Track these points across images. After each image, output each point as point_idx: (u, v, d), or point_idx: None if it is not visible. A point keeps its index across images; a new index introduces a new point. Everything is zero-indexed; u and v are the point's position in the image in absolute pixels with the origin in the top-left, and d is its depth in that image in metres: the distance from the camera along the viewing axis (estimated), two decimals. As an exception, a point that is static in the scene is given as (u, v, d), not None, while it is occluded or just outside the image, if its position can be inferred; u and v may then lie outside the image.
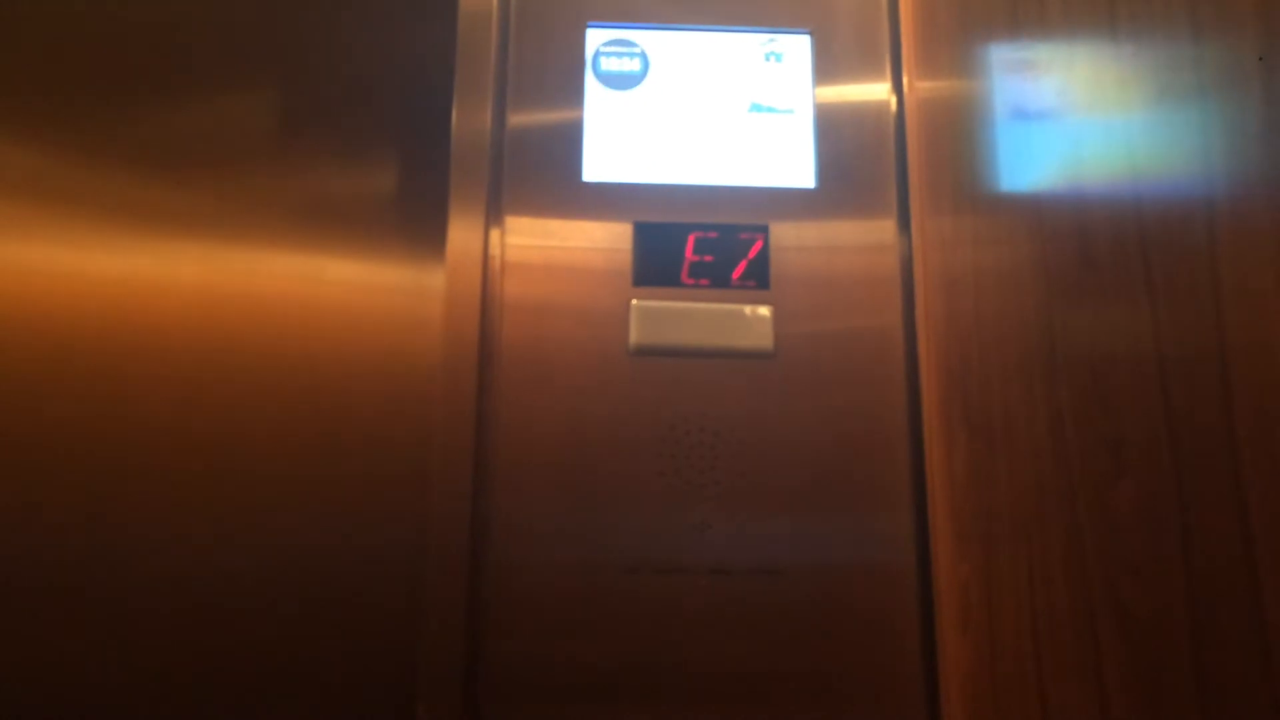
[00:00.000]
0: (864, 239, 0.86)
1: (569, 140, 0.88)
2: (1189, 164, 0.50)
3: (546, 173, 0.87)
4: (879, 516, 0.79)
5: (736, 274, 0.85)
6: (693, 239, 0.86)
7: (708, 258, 0.85)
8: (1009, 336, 0.68)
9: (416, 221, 0.87)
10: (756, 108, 0.90)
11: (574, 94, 0.90)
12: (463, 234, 0.84)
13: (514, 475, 0.80)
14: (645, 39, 0.91)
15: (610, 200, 0.87)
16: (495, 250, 0.85)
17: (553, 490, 0.80)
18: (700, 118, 0.90)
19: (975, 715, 0.70)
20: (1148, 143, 0.54)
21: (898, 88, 0.90)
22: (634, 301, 0.84)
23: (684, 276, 0.85)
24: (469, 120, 0.88)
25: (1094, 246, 0.58)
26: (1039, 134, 0.67)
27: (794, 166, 0.88)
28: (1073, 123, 0.63)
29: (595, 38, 0.91)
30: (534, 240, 0.86)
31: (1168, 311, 0.51)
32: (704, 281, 0.85)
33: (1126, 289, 0.54)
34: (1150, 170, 0.54)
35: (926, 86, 0.87)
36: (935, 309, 0.81)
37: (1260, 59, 0.46)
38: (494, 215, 0.86)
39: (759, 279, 0.85)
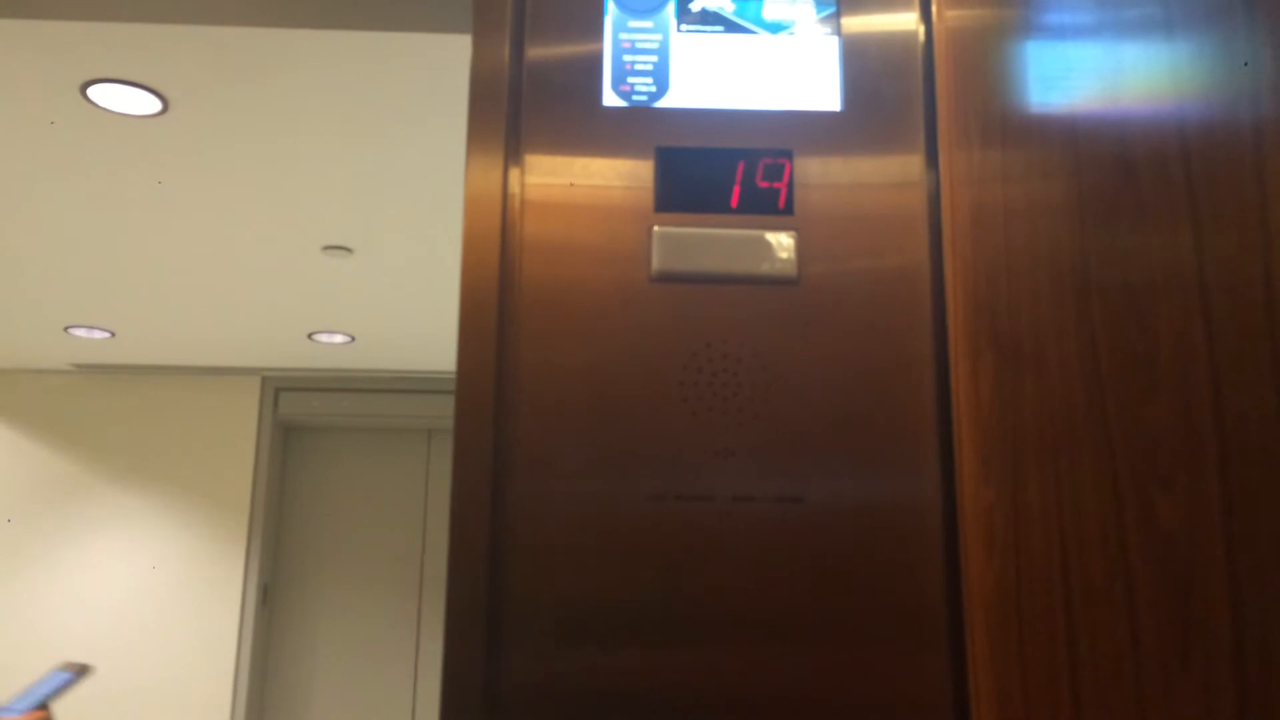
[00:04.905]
0: (890, 174, 0.85)
1: (589, 70, 0.87)
2: (1235, 83, 0.50)
3: (567, 101, 0.86)
4: (904, 442, 0.79)
5: (760, 199, 0.84)
6: (716, 164, 0.85)
7: (731, 183, 0.84)
8: (1040, 261, 0.68)
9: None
10: (779, 27, 0.88)
11: (593, 22, 0.88)
12: (481, 169, 0.84)
13: (536, 408, 0.80)
14: (667, -36, 0.89)
15: (631, 126, 0.86)
16: (515, 187, 0.84)
17: (576, 421, 0.80)
18: (722, 40, 0.88)
19: (999, 639, 0.71)
20: (1192, 63, 0.54)
21: (926, 17, 0.88)
22: (656, 228, 0.83)
23: (707, 202, 0.84)
24: (487, 55, 0.86)
25: (1134, 169, 0.57)
26: (1076, 59, 0.66)
27: (819, 92, 0.87)
28: (1112, 46, 0.62)
29: (616, -38, 0.89)
30: (554, 170, 0.85)
31: (1211, 230, 0.50)
32: (727, 207, 0.84)
33: (1168, 209, 0.54)
34: (1195, 90, 0.53)
35: (956, 15, 0.85)
36: (963, 238, 0.80)
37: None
38: (513, 150, 0.85)
39: (783, 205, 0.84)
